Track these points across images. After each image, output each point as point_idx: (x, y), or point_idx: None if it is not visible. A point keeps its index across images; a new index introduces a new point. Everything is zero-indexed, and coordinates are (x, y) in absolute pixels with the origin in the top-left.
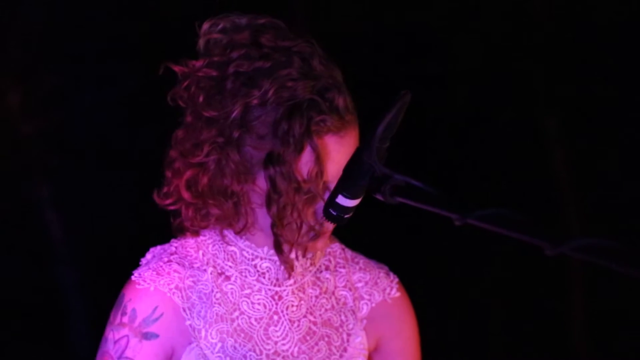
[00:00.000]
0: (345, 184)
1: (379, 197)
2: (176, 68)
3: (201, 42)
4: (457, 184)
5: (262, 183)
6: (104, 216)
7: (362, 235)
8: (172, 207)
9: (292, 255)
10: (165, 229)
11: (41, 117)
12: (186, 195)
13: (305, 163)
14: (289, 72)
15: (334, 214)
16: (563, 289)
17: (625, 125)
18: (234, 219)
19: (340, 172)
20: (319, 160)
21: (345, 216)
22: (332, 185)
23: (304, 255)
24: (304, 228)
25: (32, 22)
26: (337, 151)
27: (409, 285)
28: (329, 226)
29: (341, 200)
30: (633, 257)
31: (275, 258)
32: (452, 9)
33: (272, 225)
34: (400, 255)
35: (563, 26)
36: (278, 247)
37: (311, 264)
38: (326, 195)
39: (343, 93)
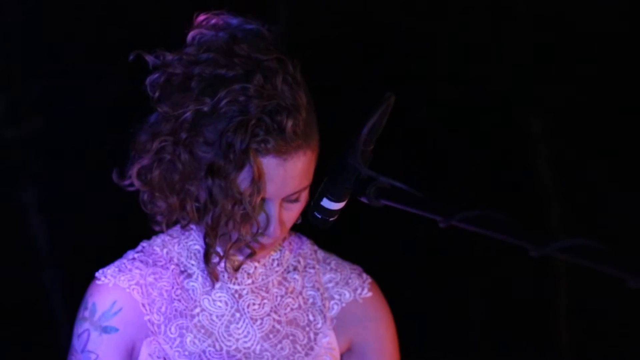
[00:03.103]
0: (330, 187)
1: (363, 199)
2: (148, 57)
3: (190, 34)
4: (441, 186)
5: None
6: (89, 220)
7: (346, 236)
8: (129, 189)
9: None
10: (149, 232)
11: (26, 122)
12: (136, 182)
13: (243, 179)
14: (245, 86)
15: (319, 217)
16: (547, 288)
17: (609, 126)
18: (180, 215)
19: (283, 192)
20: (255, 180)
21: (330, 219)
22: (273, 204)
23: (236, 270)
24: (240, 243)
25: (14, 27)
26: (278, 173)
27: (392, 283)
28: (266, 242)
29: (326, 203)
30: (616, 258)
31: (232, 257)
32: (436, 10)
33: (205, 235)
34: (381, 254)
35: (548, 27)
36: (207, 257)
37: (278, 265)
38: (261, 216)
39: (295, 117)
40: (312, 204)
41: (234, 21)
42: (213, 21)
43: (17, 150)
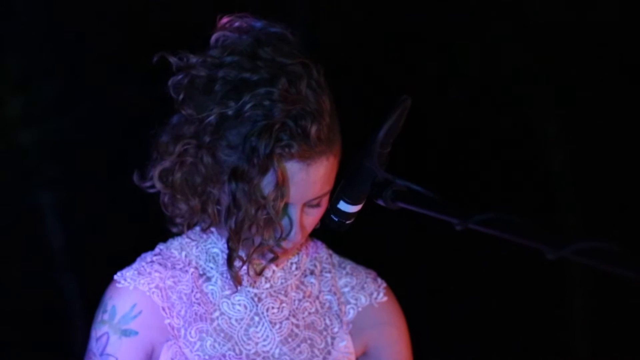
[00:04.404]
0: (347, 190)
1: (380, 202)
2: (172, 59)
3: (214, 37)
4: (457, 188)
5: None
6: (104, 224)
7: (360, 239)
8: (150, 190)
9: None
10: (165, 236)
11: (41, 126)
12: (158, 184)
13: (267, 184)
14: (270, 91)
15: (336, 219)
16: (563, 291)
17: (625, 128)
18: (201, 217)
19: (305, 197)
20: (279, 184)
21: (347, 222)
22: (295, 208)
23: (258, 274)
24: (263, 247)
25: (30, 30)
26: (301, 178)
27: (405, 288)
28: (287, 247)
29: (342, 206)
30: (632, 260)
31: (254, 261)
32: (451, 12)
33: (228, 239)
34: (395, 258)
35: (563, 28)
36: (230, 261)
37: (296, 268)
38: (284, 220)
39: (319, 122)
40: (329, 207)
41: (258, 24)
42: (236, 24)
43: (33, 153)
